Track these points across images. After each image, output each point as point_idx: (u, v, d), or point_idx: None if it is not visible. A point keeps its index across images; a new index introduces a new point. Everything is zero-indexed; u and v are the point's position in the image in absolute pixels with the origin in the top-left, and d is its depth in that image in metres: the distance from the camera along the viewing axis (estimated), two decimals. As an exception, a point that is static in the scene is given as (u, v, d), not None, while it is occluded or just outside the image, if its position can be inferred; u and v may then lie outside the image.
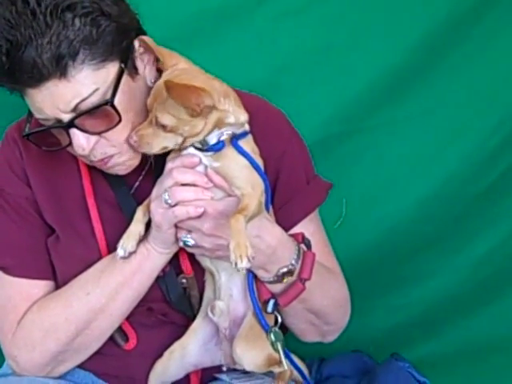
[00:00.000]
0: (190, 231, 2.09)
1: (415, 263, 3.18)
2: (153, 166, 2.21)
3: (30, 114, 2.11)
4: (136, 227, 2.13)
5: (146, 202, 2.14)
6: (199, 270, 2.25)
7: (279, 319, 2.23)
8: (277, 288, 2.20)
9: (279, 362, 2.21)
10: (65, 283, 2.26)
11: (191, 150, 2.07)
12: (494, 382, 3.21)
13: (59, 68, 1.89)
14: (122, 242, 2.12)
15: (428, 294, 3.21)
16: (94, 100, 1.96)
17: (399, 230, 3.12)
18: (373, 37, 2.96)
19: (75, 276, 2.23)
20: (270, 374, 2.29)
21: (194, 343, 2.26)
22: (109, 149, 2.08)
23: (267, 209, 2.15)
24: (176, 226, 2.09)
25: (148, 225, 2.15)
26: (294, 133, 2.41)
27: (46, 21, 1.87)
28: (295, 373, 2.35)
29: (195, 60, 2.41)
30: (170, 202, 2.03)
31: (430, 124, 3.07)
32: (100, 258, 2.24)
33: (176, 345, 2.27)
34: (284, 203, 2.31)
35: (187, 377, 2.33)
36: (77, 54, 1.90)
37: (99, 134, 2.02)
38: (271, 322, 2.23)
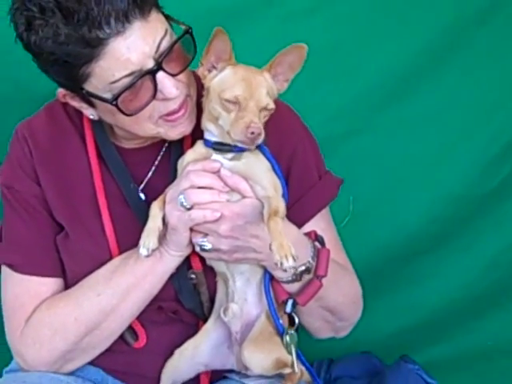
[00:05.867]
0: (206, 234, 2.05)
1: (422, 264, 3.16)
2: (171, 163, 2.19)
3: (88, 101, 2.11)
4: (154, 223, 2.07)
5: (161, 197, 2.09)
6: (208, 267, 2.21)
7: (296, 320, 2.20)
8: (294, 287, 2.17)
9: (291, 365, 2.19)
10: (74, 281, 2.23)
11: (214, 156, 2.05)
12: (502, 384, 3.21)
13: (141, 10, 1.98)
14: (142, 240, 2.06)
15: (436, 296, 3.19)
16: (168, 39, 2.04)
17: (406, 229, 3.10)
18: (381, 38, 2.95)
19: (85, 274, 2.21)
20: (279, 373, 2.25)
21: (205, 343, 2.24)
22: (187, 88, 2.10)
23: None
24: (191, 230, 2.06)
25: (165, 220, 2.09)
26: (304, 129, 2.38)
27: None
28: (306, 374, 2.32)
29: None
30: (185, 204, 1.99)
31: (436, 125, 3.05)
32: (110, 256, 2.21)
33: (188, 344, 2.25)
34: (297, 199, 2.27)
35: (197, 376, 2.30)
36: None
37: (182, 71, 2.07)
38: (284, 324, 2.20)
